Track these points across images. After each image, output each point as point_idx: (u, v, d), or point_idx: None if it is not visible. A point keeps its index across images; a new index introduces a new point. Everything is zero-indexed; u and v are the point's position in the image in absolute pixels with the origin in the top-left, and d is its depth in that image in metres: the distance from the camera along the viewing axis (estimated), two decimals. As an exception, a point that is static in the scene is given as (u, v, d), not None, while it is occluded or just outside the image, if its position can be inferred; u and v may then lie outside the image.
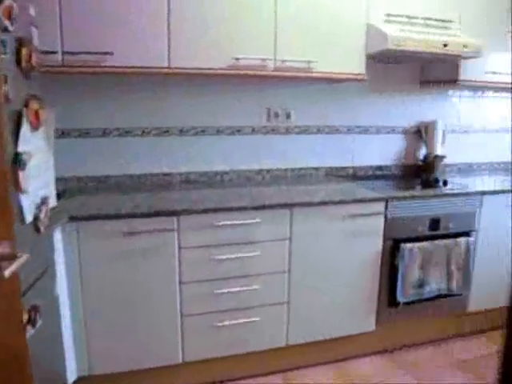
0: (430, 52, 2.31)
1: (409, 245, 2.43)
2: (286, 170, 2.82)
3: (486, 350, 2.70)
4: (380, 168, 3.06)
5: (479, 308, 2.81)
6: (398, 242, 2.44)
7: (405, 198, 2.43)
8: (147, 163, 2.54)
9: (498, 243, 2.74)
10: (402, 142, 3.10)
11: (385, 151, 3.06)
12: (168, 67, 2.12)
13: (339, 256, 2.35)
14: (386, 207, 2.39)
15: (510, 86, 2.88)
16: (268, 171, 2.78)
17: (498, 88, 3.08)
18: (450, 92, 3.16)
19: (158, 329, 2.09)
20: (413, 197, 2.45)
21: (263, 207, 2.12)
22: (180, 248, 2.04)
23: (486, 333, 2.89)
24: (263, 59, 2.25)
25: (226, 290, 2.15)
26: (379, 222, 2.40)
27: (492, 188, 2.67)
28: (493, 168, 3.40)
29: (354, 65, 2.43)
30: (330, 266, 2.34)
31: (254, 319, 2.23)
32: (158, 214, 1.97)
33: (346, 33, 2.39)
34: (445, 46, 2.30)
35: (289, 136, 2.80)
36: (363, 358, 2.58)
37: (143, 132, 2.50)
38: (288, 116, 2.77)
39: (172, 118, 2.54)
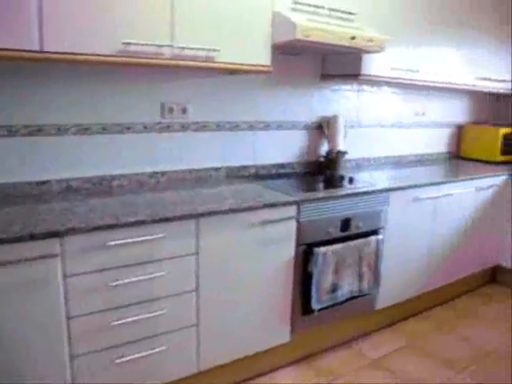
0: (337, 44, 2.17)
1: (322, 249, 2.29)
2: (183, 171, 2.51)
3: (395, 344, 2.69)
4: (282, 166, 2.89)
5: (386, 304, 2.80)
6: (311, 246, 2.29)
7: (317, 199, 2.28)
8: (16, 169, 2.05)
9: (403, 238, 2.75)
10: (304, 137, 2.96)
11: (287, 148, 2.90)
12: (40, 51, 1.69)
13: (251, 267, 2.13)
14: (299, 210, 2.22)
15: (409, 82, 2.90)
16: (163, 174, 2.45)
17: (397, 84, 3.10)
18: (349, 86, 3.09)
19: (44, 379, 1.69)
20: (325, 198, 2.31)
21: (166, 220, 1.81)
22: (65, 276, 1.65)
23: (391, 327, 2.90)
24: (158, 46, 1.92)
25: (125, 320, 1.80)
26: (291, 227, 2.22)
27: (398, 184, 2.65)
28: (388, 162, 3.44)
29: (260, 55, 2.20)
30: (241, 278, 2.11)
31: (159, 349, 1.92)
32: (33, 236, 1.55)
33: (252, 20, 2.14)
34: (352, 38, 2.18)
35: (186, 134, 2.49)
36: (281, 370, 2.41)
37: (9, 131, 2.01)
38: (184, 111, 2.46)
39: (48, 113, 2.08)
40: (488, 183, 3.21)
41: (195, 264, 1.95)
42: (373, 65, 2.64)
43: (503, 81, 3.57)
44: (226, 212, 1.97)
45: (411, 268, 2.88)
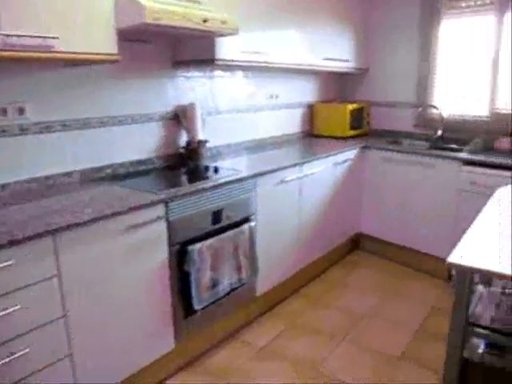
0: (190, 27, 2.02)
1: (196, 246, 2.17)
2: (27, 181, 2.17)
3: (277, 327, 2.70)
4: (142, 162, 2.68)
5: (266, 289, 2.80)
6: (185, 244, 2.16)
7: (185, 195, 2.14)
8: None
9: (273, 222, 2.76)
10: (161, 129, 2.78)
11: (144, 143, 2.70)
12: None
13: (123, 278, 1.93)
14: (167, 209, 2.06)
15: (262, 65, 2.88)
16: (3, 187, 2.09)
17: (250, 68, 3.07)
18: (203, 73, 2.98)
19: None
20: (193, 192, 2.18)
21: (13, 243, 1.52)
22: None
23: (272, 311, 2.92)
24: (-26, 35, 1.59)
25: (-25, 370, 1.50)
26: (161, 228, 2.06)
27: (264, 169, 2.62)
28: (248, 147, 3.42)
29: (105, 43, 1.95)
30: (114, 292, 1.90)
31: (25, 393, 1.64)
32: None
33: (92, 2, 1.89)
34: (204, 21, 2.06)
35: (26, 137, 2.15)
36: (170, 379, 2.25)
37: None
38: (21, 111, 2.12)
39: None
40: (343, 158, 3.39)
41: (58, 287, 1.68)
42: (226, 49, 2.55)
43: (346, 60, 3.78)
44: (86, 223, 1.73)
45: (284, 249, 2.91)
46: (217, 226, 2.34)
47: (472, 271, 1.44)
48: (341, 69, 3.78)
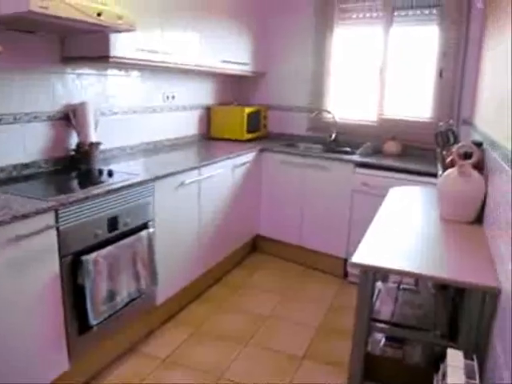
0: (81, 20, 1.87)
1: (92, 255, 2.01)
2: None
3: (182, 335, 2.62)
4: (27, 166, 2.44)
5: (167, 297, 2.70)
6: (79, 255, 1.99)
7: (77, 201, 1.98)
8: None
9: (173, 227, 2.67)
10: (48, 130, 2.55)
11: (30, 144, 2.45)
12: None
13: (7, 296, 1.72)
14: (57, 217, 1.88)
15: (159, 64, 2.78)
16: None
17: (147, 67, 2.94)
18: (96, 70, 2.79)
19: None
20: (86, 198, 2.02)
21: None
22: None
23: (175, 318, 2.83)
24: None
25: None
26: (51, 238, 1.88)
27: (161, 172, 2.52)
28: (145, 149, 3.29)
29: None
30: (-5, 313, 1.69)
31: None
32: None
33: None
34: (99, 15, 1.91)
35: None
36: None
37: None
38: None
39: None
40: (242, 161, 3.40)
41: None
42: (121, 46, 2.42)
43: (244, 64, 3.80)
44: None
45: (184, 254, 2.84)
46: (113, 234, 2.20)
47: (375, 270, 1.49)
48: (239, 72, 3.80)
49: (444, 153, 2.27)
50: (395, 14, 3.56)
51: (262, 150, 3.67)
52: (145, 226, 2.40)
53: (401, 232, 1.80)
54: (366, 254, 1.52)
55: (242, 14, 3.68)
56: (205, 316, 2.88)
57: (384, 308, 1.81)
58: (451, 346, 1.35)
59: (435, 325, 1.75)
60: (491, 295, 1.34)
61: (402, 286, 2.00)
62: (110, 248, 2.13)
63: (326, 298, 3.17)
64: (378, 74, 3.70)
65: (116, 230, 2.21)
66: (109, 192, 2.15)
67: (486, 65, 2.63)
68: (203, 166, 2.90)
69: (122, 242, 2.21)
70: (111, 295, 2.15)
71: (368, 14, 3.66)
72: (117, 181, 2.30)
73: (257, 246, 3.96)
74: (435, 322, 1.78)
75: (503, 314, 1.25)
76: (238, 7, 3.61)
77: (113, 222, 2.19)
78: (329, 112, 3.92)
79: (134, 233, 2.31)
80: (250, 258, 3.84)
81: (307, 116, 4.08)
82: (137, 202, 2.34)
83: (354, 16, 3.75)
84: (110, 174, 2.45)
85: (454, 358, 1.24)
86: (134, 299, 2.34)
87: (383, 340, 1.72)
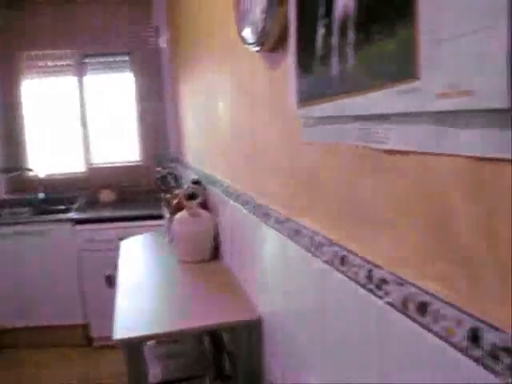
0: None
1: None
2: None
3: None
4: None
5: None
6: None
7: None
8: None
9: None
10: None
11: None
12: None
13: None
14: None
15: None
16: None
17: None
18: None
19: None
20: None
21: None
22: None
23: None
24: None
25: None
26: None
27: None
28: None
29: None
30: None
31: None
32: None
33: None
34: None
35: None
36: None
37: None
38: None
39: None
40: None
41: None
42: None
43: None
44: None
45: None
46: None
47: (142, 339, 1.37)
48: None
49: (168, 196, 2.32)
50: (87, 61, 3.49)
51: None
52: None
53: (148, 287, 1.74)
54: (125, 325, 1.38)
55: None
56: None
57: (151, 370, 1.70)
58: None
59: (205, 368, 1.74)
60: (255, 325, 1.40)
61: (155, 341, 1.91)
62: None
63: (76, 376, 2.80)
64: (78, 123, 3.56)
65: None
66: None
67: (186, 105, 2.81)
68: None
69: None
70: None
71: (58, 63, 3.48)
72: None
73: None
74: (205, 366, 1.77)
75: (269, 339, 1.32)
76: None
77: None
78: (31, 170, 3.53)
79: None
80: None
81: (5, 177, 3.57)
82: None
83: (43, 64, 3.50)
84: None
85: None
86: None
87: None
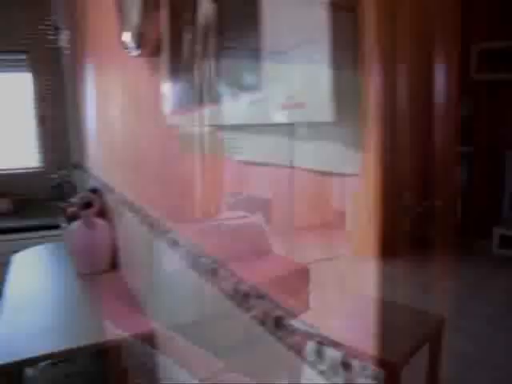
0: None
1: None
2: None
3: None
4: None
5: None
6: None
7: None
8: None
9: None
10: None
11: None
12: None
13: None
14: None
15: None
16: None
17: None
18: None
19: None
20: None
21: None
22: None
23: None
24: None
25: None
26: None
27: None
28: None
29: None
30: None
31: None
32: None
33: None
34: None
35: None
36: None
37: None
38: None
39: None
40: None
41: None
42: None
43: None
44: None
45: None
46: None
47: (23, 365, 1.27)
48: None
49: (64, 204, 2.19)
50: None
51: None
52: None
53: (40, 304, 1.62)
54: (6, 350, 1.27)
55: None
56: None
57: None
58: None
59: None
60: (150, 339, 1.35)
61: (50, 361, 1.77)
62: None
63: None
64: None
65: None
66: None
67: (87, 108, 2.66)
68: None
69: None
70: None
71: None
72: None
73: None
74: None
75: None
76: None
77: None
78: None
79: None
80: None
81: None
82: None
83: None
84: None
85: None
86: None
87: None
